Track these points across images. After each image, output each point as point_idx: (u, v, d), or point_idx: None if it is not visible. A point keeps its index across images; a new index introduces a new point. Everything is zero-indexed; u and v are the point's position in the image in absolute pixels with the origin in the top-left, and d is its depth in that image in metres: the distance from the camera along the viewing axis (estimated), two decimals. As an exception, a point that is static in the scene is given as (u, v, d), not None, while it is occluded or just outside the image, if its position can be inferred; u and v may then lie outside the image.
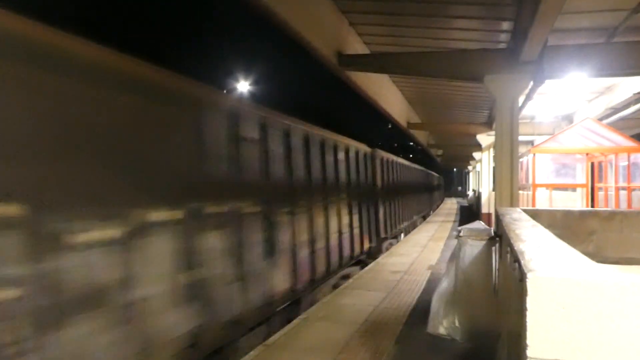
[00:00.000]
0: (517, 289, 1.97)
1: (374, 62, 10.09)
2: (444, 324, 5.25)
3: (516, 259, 2.08)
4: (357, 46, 9.95)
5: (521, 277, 1.76)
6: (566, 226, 5.49)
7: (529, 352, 1.68)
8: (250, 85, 30.08)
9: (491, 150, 20.97)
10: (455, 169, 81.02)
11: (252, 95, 29.64)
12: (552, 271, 1.72)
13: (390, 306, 7.18)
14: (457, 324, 5.15)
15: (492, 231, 4.93)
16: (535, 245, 2.35)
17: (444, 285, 5.10)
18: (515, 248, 2.23)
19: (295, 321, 6.47)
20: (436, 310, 5.18)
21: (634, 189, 12.13)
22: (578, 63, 8.05)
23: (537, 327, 1.67)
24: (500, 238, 4.31)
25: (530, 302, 1.67)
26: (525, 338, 1.69)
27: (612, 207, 12.44)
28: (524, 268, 1.76)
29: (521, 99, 10.70)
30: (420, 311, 6.76)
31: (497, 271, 4.67)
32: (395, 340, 5.65)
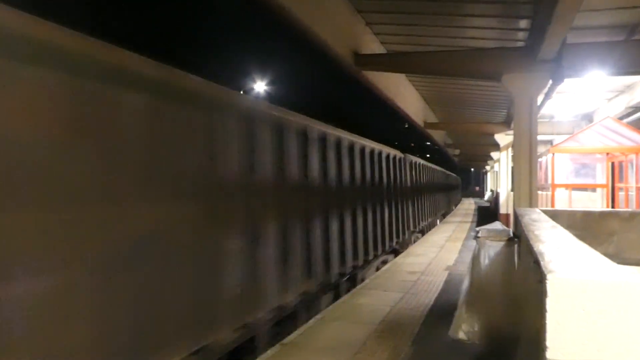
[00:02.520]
0: (537, 291, 1.95)
1: (391, 62, 10.06)
2: (463, 328, 5.22)
3: (536, 260, 2.05)
4: (373, 46, 9.93)
5: (541, 279, 1.74)
6: (586, 227, 5.42)
7: (549, 354, 1.66)
8: (266, 85, 30.19)
9: (509, 150, 20.80)
10: (472, 169, 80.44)
11: (269, 95, 29.75)
12: (573, 272, 1.70)
13: (407, 306, 7.15)
14: (475, 327, 5.11)
15: (511, 232, 4.88)
16: (555, 246, 2.33)
17: (465, 287, 5.07)
18: (535, 249, 2.20)
19: (311, 321, 6.47)
20: (458, 314, 5.15)
21: (655, 189, 11.93)
22: (598, 61, 7.94)
23: (556, 328, 1.65)
24: (519, 239, 4.27)
25: (550, 303, 1.65)
26: (544, 340, 1.67)
27: (632, 207, 12.26)
28: (544, 269, 1.74)
29: (540, 98, 10.58)
30: (438, 312, 6.72)
31: (516, 273, 4.62)
32: (412, 341, 5.62)
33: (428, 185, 20.59)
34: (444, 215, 27.34)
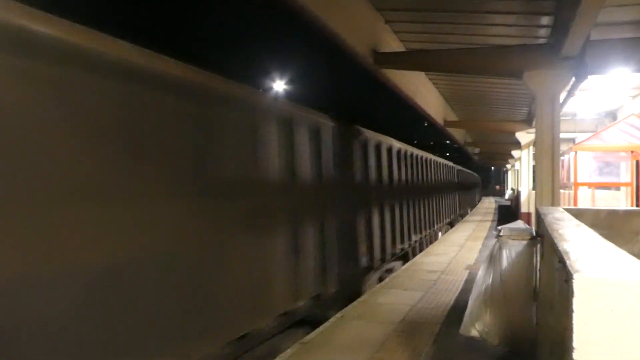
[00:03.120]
0: (562, 291, 1.92)
1: (410, 60, 9.99)
2: (476, 326, 5.17)
3: (561, 260, 2.02)
4: (392, 44, 9.87)
5: (567, 278, 1.71)
6: (610, 226, 5.33)
7: (575, 355, 1.63)
8: (285, 84, 30.26)
9: (531, 148, 20.55)
10: (492, 168, 79.67)
11: (288, 94, 29.80)
12: (600, 272, 1.67)
13: (428, 306, 7.11)
14: (494, 326, 5.06)
15: (534, 231, 4.82)
16: (581, 246, 2.29)
17: (482, 286, 5.01)
18: (560, 248, 2.17)
19: (331, 320, 6.47)
20: (470, 311, 5.11)
21: (681, 188, 11.70)
22: (622, 58, 7.80)
23: (583, 329, 1.62)
24: (542, 238, 4.21)
25: (577, 303, 1.62)
26: (571, 340, 1.64)
27: (658, 206, 12.02)
28: (570, 269, 1.71)
29: (562, 96, 10.43)
30: (459, 311, 6.66)
31: (538, 272, 4.56)
32: (433, 340, 5.59)
33: (420, 183, 15.35)
34: (451, 224, 22.55)
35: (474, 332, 5.06)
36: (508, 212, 29.05)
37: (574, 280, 1.63)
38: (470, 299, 5.27)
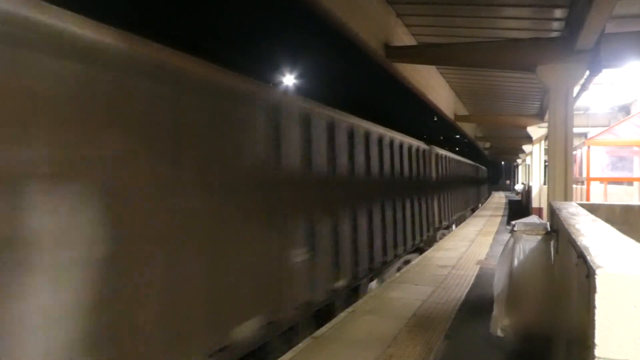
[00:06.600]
0: (583, 286, 1.89)
1: (422, 54, 9.92)
2: (499, 325, 5.17)
3: (580, 255, 2.00)
4: (404, 37, 9.81)
5: (588, 274, 1.69)
6: (625, 221, 5.28)
7: (597, 352, 1.61)
8: (295, 78, 30.22)
9: (542, 142, 20.39)
10: (503, 162, 79.26)
11: (298, 88, 29.77)
12: (623, 267, 1.65)
13: (439, 301, 7.09)
14: (511, 323, 5.04)
15: (548, 226, 4.77)
16: (600, 241, 2.26)
17: (499, 284, 4.99)
18: (579, 243, 2.14)
19: (342, 314, 6.47)
20: (494, 311, 5.10)
21: (696, 183, 11.56)
22: (638, 51, 7.69)
23: (606, 325, 1.60)
24: (557, 233, 4.17)
25: (599, 299, 1.60)
26: (592, 336, 1.62)
27: (672, 201, 11.89)
28: (592, 264, 1.69)
29: (575, 90, 10.32)
30: (470, 306, 6.65)
31: (553, 267, 4.53)
32: (444, 335, 5.57)
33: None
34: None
35: (499, 332, 5.07)
36: (519, 207, 28.90)
37: (596, 276, 1.61)
38: (494, 298, 5.27)
